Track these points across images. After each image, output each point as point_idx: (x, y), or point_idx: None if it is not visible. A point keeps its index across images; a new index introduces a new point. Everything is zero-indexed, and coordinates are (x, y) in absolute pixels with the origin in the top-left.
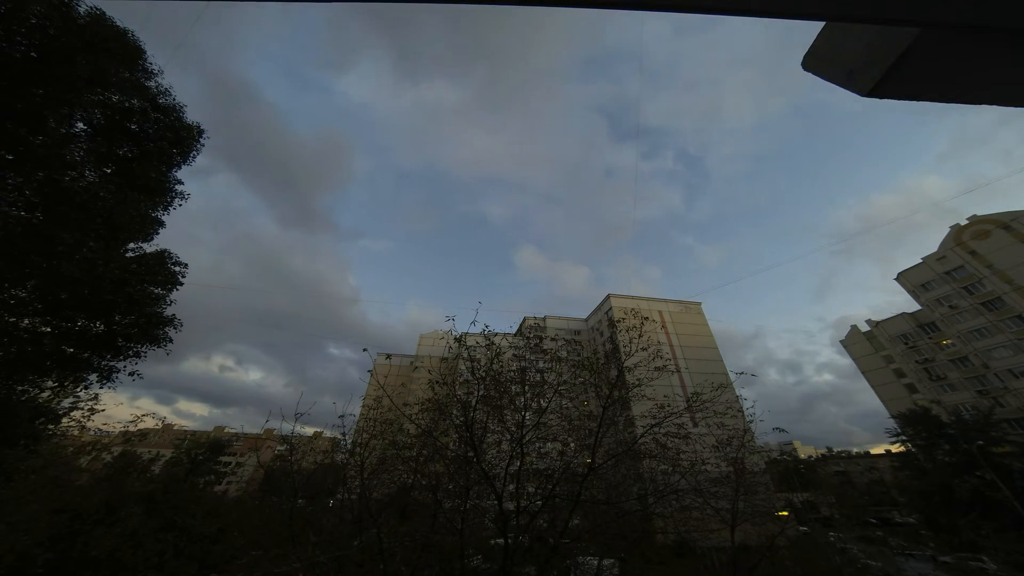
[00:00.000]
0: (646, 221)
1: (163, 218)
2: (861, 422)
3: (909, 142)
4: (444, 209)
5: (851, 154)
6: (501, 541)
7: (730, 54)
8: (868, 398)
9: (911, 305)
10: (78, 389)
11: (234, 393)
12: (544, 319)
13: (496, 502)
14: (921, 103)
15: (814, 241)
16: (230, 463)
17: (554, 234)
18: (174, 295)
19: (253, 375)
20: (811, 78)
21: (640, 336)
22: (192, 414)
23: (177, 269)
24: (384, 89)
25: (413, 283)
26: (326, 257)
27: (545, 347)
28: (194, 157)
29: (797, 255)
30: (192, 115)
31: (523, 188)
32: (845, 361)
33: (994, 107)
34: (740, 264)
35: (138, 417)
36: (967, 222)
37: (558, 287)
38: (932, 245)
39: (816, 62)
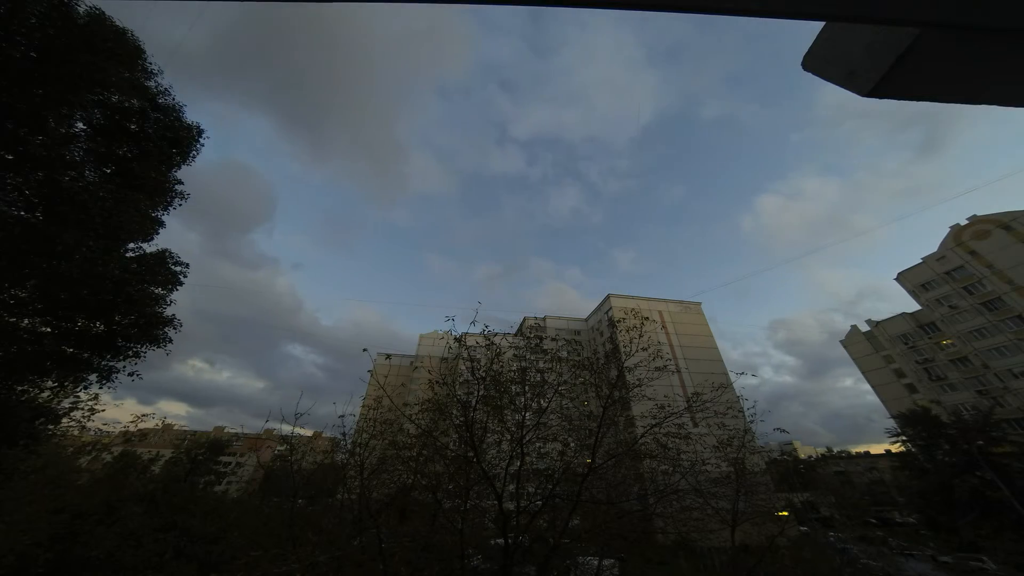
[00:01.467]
0: (554, 226)
1: (163, 218)
2: (827, 424)
3: (773, 146)
4: (358, 223)
5: (720, 163)
6: (501, 541)
7: (590, 73)
8: (831, 399)
9: (847, 309)
10: (78, 389)
11: (211, 393)
12: (544, 319)
13: (496, 502)
14: (920, 103)
15: (725, 245)
16: (230, 463)
17: (464, 240)
18: (174, 295)
19: (228, 377)
20: (655, 95)
21: (640, 336)
22: (173, 414)
23: (178, 269)
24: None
25: (348, 287)
26: (269, 273)
27: (545, 347)
28: (194, 157)
29: (790, 258)
30: None
31: (433, 200)
32: (796, 362)
33: (994, 107)
34: (655, 264)
35: (138, 417)
36: (967, 222)
37: (472, 289)
38: (843, 249)
39: (816, 62)
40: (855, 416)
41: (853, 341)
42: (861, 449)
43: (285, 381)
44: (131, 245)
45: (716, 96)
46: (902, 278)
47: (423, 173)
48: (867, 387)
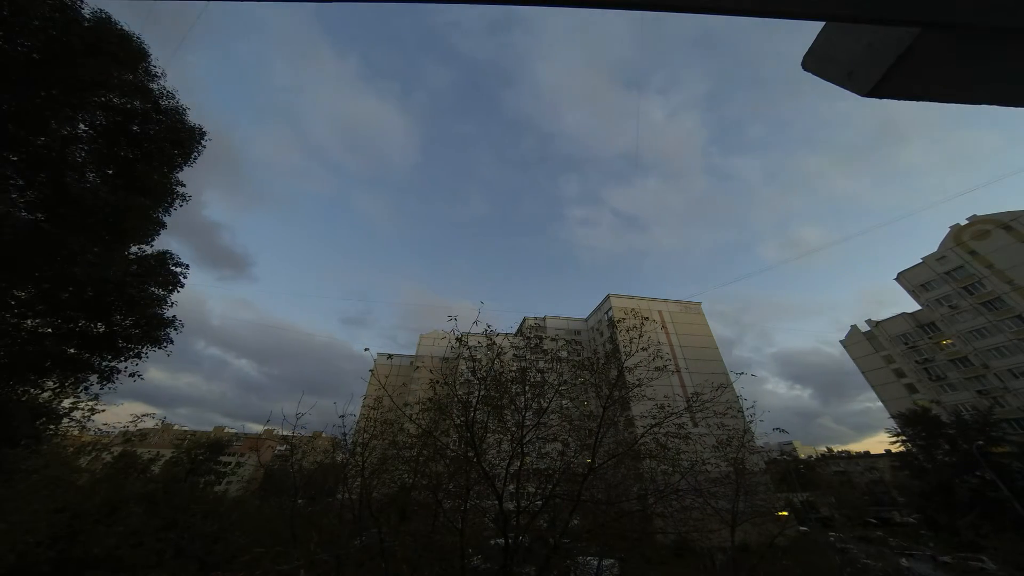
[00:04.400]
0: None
1: (164, 219)
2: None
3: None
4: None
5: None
6: (501, 541)
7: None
8: (764, 401)
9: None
10: (79, 390)
11: (170, 396)
12: (544, 319)
13: (496, 502)
14: (920, 103)
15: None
16: (230, 463)
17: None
18: (175, 296)
19: (182, 381)
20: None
21: (640, 336)
22: (137, 413)
23: (178, 270)
24: None
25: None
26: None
27: (545, 347)
28: (195, 159)
29: (794, 257)
30: None
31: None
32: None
33: (994, 107)
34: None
35: (138, 417)
36: (967, 222)
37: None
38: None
39: (816, 62)
40: (778, 421)
41: (853, 341)
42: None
43: (235, 382)
44: (133, 248)
45: (447, 113)
46: (902, 278)
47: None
48: (787, 392)
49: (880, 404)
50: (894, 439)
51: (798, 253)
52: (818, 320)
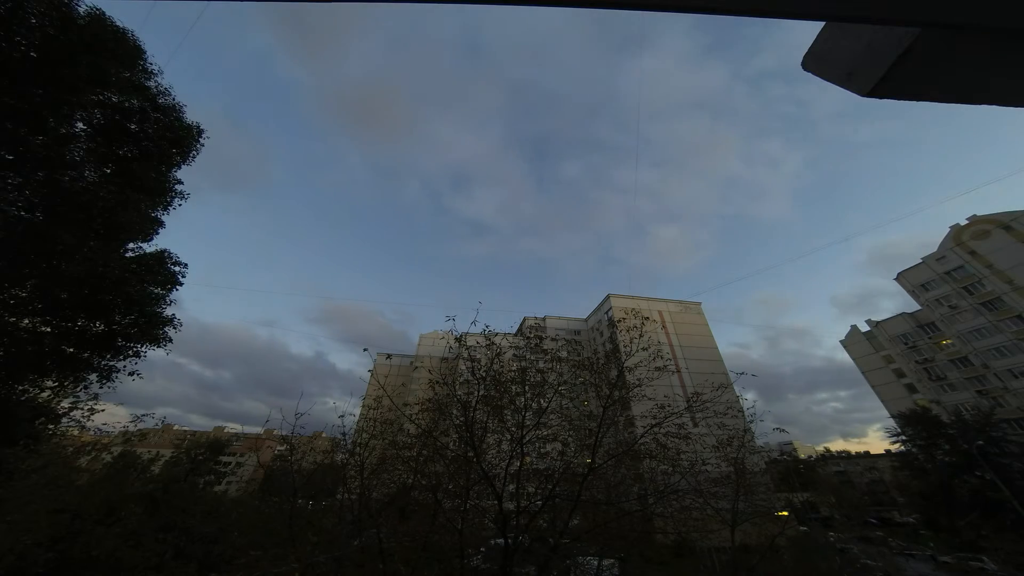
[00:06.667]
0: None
1: (163, 218)
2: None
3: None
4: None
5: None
6: (501, 541)
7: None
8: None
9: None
10: (78, 389)
11: (143, 398)
12: (544, 319)
13: (496, 502)
14: (921, 103)
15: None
16: (230, 463)
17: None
18: (174, 295)
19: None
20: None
21: (640, 336)
22: (117, 414)
23: (177, 269)
24: None
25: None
26: None
27: (545, 347)
28: (194, 157)
29: (801, 254)
30: None
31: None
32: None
33: (994, 107)
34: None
35: (137, 417)
36: (967, 222)
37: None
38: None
39: (816, 62)
40: None
41: (852, 341)
42: None
43: (192, 382)
44: (131, 245)
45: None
46: (902, 278)
47: None
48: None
49: (836, 406)
50: (894, 439)
51: (801, 252)
52: (728, 325)
